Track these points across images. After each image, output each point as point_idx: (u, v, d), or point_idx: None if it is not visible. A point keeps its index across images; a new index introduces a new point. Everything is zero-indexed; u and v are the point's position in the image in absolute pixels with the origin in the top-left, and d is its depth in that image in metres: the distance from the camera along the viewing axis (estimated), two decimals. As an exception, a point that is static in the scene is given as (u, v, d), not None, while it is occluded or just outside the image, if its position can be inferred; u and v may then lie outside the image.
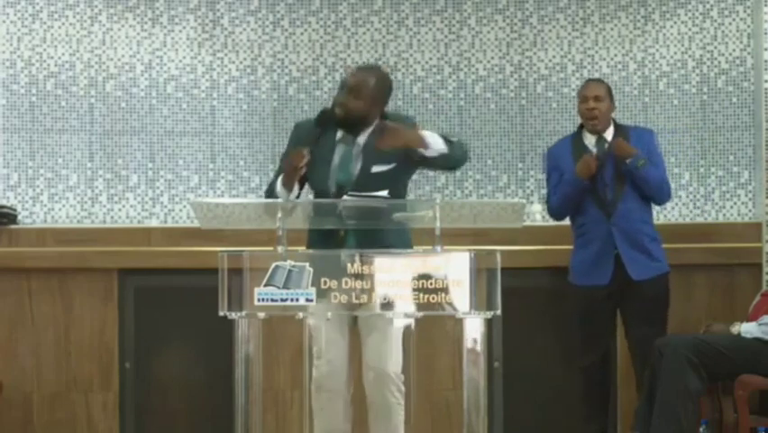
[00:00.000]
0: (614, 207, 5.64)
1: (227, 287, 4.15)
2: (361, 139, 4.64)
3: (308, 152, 4.55)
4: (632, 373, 5.82)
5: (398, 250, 4.42)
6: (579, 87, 5.92)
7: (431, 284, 4.14)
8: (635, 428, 5.58)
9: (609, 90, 5.79)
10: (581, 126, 5.79)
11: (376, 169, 4.59)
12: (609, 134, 5.74)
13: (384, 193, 4.49)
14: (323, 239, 4.53)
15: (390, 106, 6.80)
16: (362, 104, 4.60)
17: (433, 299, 4.14)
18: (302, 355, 4.56)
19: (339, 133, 4.67)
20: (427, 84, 6.86)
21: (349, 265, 4.14)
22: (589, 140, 5.76)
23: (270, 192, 4.68)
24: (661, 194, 5.73)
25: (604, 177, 5.65)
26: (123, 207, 6.72)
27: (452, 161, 4.59)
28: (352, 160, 4.62)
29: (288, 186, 4.57)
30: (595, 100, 5.70)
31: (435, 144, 4.50)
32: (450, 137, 4.58)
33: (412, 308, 4.17)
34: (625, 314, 5.73)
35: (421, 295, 4.14)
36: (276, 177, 4.70)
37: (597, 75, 6.80)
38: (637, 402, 5.61)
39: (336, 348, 4.60)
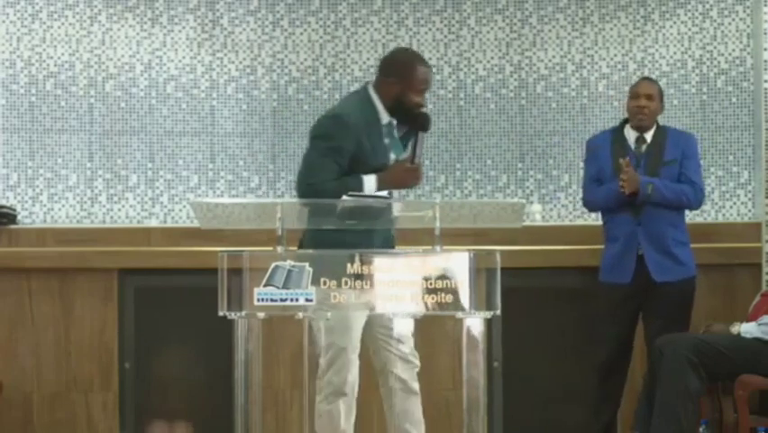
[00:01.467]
0: (642, 208, 5.64)
1: (227, 287, 4.15)
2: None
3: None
4: (634, 373, 5.82)
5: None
6: (632, 84, 5.96)
7: (431, 284, 4.14)
8: (635, 428, 5.58)
9: (661, 91, 5.84)
10: (625, 121, 5.82)
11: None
12: (650, 135, 5.76)
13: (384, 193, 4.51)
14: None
15: (390, 106, 6.87)
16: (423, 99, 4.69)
17: (432, 299, 4.14)
18: (302, 355, 4.56)
19: (385, 119, 4.65)
20: (427, 84, 6.86)
21: (349, 265, 4.14)
22: (630, 135, 5.77)
23: (339, 192, 4.46)
24: (683, 205, 5.75)
25: (623, 165, 5.65)
26: (123, 207, 6.72)
27: None
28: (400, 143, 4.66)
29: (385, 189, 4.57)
30: (646, 98, 5.75)
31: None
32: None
33: (412, 309, 4.17)
34: (646, 316, 5.72)
35: (421, 295, 4.14)
36: (344, 180, 4.54)
37: (596, 75, 6.81)
38: (638, 402, 5.61)
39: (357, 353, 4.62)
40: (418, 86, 4.63)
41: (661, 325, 5.62)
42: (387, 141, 4.63)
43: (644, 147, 5.75)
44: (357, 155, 4.55)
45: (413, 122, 4.65)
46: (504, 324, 5.95)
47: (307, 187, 4.55)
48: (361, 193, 4.49)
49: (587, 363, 5.85)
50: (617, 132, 5.83)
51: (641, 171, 5.66)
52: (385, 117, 4.64)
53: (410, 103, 4.61)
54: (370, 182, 4.54)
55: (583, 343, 5.99)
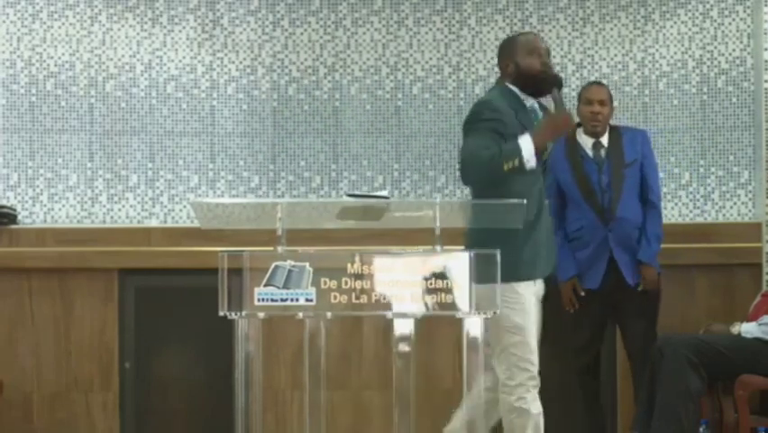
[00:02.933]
0: (611, 213, 5.66)
1: (227, 287, 4.15)
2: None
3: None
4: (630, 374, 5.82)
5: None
6: (580, 89, 5.93)
7: (431, 284, 4.14)
8: (635, 428, 5.58)
9: (611, 95, 5.83)
10: (576, 126, 5.79)
11: None
12: (605, 139, 5.77)
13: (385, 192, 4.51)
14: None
15: (389, 106, 6.89)
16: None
17: (432, 299, 4.14)
18: (302, 355, 4.56)
19: (528, 103, 4.66)
20: (427, 84, 6.87)
21: (349, 265, 4.14)
22: (585, 141, 5.77)
23: (494, 158, 4.41)
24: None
25: (601, 183, 5.67)
26: (123, 207, 6.72)
27: None
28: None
29: (542, 144, 4.47)
30: (600, 104, 5.74)
31: None
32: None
33: (412, 309, 4.17)
34: (624, 319, 5.73)
35: (421, 295, 4.14)
36: (498, 146, 4.45)
37: (596, 75, 6.80)
38: (636, 402, 5.61)
39: None
40: (534, 51, 4.64)
41: (636, 326, 5.65)
42: (535, 124, 4.62)
43: (602, 152, 5.74)
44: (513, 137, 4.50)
45: (548, 85, 4.62)
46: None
47: (470, 167, 4.49)
48: (514, 156, 4.39)
49: (569, 370, 5.87)
50: (569, 138, 5.73)
51: (605, 176, 5.67)
52: (528, 101, 4.66)
53: (535, 69, 4.61)
54: (525, 141, 4.42)
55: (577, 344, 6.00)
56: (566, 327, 5.73)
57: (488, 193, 4.49)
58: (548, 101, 4.65)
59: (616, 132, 5.80)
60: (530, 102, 4.68)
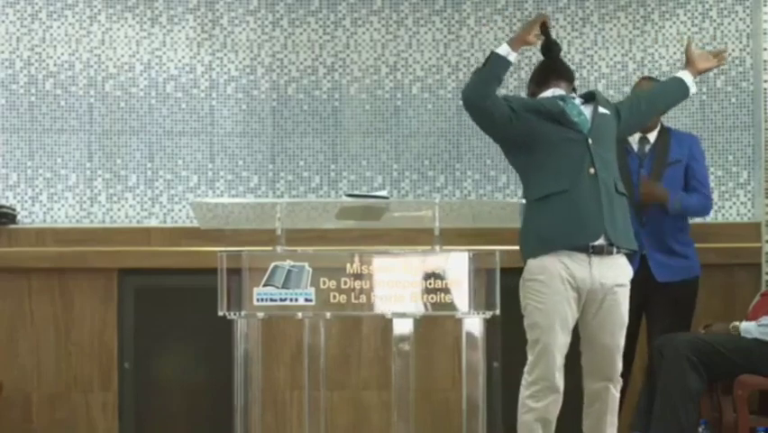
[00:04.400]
0: (645, 210, 5.62)
1: (227, 287, 4.16)
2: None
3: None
4: (633, 373, 5.81)
5: None
6: (634, 84, 5.97)
7: (430, 284, 4.14)
8: (635, 427, 5.58)
9: None
10: None
11: (602, 110, 4.65)
12: (653, 136, 5.75)
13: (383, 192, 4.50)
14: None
15: (389, 106, 6.88)
16: None
17: (432, 299, 4.15)
18: (301, 355, 4.56)
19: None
20: (426, 84, 6.86)
21: (348, 265, 4.14)
22: (633, 136, 5.75)
23: (484, 65, 4.62)
24: (699, 215, 5.86)
25: (640, 178, 5.64)
26: (123, 206, 6.72)
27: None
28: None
29: (515, 45, 4.61)
30: None
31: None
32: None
33: (411, 308, 4.17)
34: (649, 317, 5.71)
35: (420, 295, 4.14)
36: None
37: (596, 75, 6.81)
38: (637, 402, 5.61)
39: None
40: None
41: (664, 325, 5.61)
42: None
43: (647, 147, 5.74)
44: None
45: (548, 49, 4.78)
46: (503, 324, 5.94)
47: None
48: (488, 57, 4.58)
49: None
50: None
51: (644, 171, 5.65)
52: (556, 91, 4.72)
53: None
54: (501, 48, 4.61)
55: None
56: None
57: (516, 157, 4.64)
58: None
59: (666, 132, 5.80)
60: (551, 90, 4.71)
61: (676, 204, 5.62)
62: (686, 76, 4.87)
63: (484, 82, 4.55)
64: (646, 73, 6.70)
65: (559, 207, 4.48)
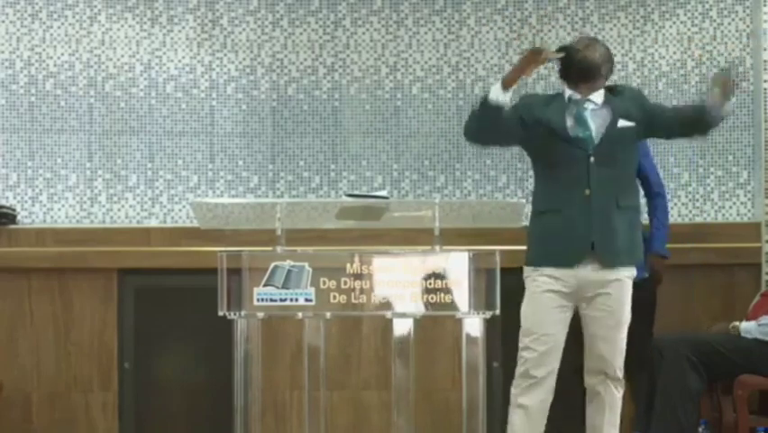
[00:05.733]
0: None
1: (227, 287, 4.16)
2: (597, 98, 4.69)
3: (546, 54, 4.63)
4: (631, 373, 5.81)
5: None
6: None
7: (430, 284, 4.14)
8: (635, 428, 5.58)
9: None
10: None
11: (621, 124, 4.62)
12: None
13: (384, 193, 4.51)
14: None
15: (389, 106, 6.88)
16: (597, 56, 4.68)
17: (432, 299, 4.15)
18: (301, 355, 4.56)
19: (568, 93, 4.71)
20: (426, 84, 6.86)
21: (348, 265, 4.14)
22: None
23: (479, 108, 4.63)
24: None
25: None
26: (123, 207, 6.72)
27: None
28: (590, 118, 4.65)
29: (509, 83, 4.60)
30: None
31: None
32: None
33: (411, 308, 4.17)
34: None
35: (420, 295, 4.14)
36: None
37: (596, 75, 6.81)
38: (634, 403, 5.61)
39: None
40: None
41: (636, 322, 5.65)
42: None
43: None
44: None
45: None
46: (503, 324, 5.94)
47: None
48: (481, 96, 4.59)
49: (569, 364, 5.85)
50: None
51: None
52: (568, 92, 4.72)
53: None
54: (493, 90, 4.61)
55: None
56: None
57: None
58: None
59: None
60: (569, 93, 4.70)
61: (663, 250, 5.71)
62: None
63: (477, 128, 4.63)
64: (646, 73, 6.70)
65: (550, 226, 4.59)
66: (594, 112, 4.64)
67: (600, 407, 4.63)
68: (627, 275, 4.64)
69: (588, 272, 4.57)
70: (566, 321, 4.61)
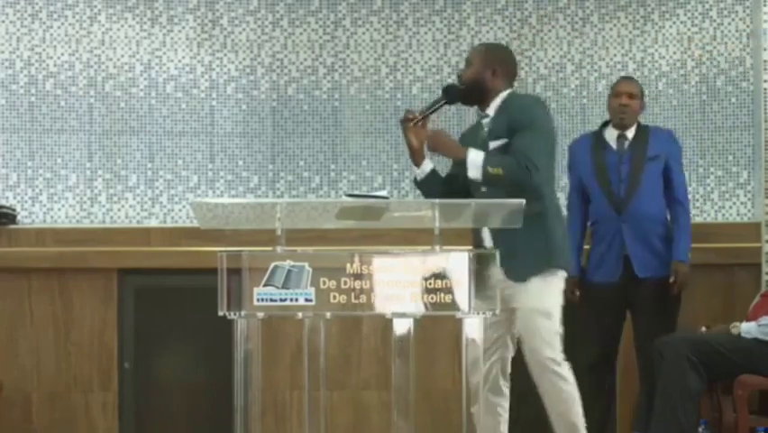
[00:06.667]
0: (625, 205, 5.66)
1: (227, 287, 4.15)
2: (491, 111, 4.80)
3: (420, 113, 4.73)
4: (632, 372, 5.81)
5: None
6: (613, 84, 6.02)
7: (430, 284, 4.14)
8: (635, 427, 5.58)
9: (642, 91, 5.91)
10: (605, 124, 5.86)
11: (492, 144, 4.72)
12: (631, 133, 5.80)
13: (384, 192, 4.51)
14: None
15: (389, 106, 6.87)
16: (471, 70, 4.83)
17: (432, 299, 4.14)
18: (301, 355, 4.56)
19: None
20: (426, 84, 6.87)
21: (348, 265, 4.14)
22: (611, 134, 5.80)
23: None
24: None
25: (620, 173, 5.68)
26: (123, 207, 6.73)
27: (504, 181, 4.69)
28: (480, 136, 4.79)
29: (416, 161, 4.85)
30: (628, 97, 5.81)
31: (472, 164, 4.68)
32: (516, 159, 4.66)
33: (411, 308, 4.17)
34: (633, 313, 5.73)
35: (420, 295, 4.14)
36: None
37: (595, 75, 6.81)
38: (637, 402, 5.61)
39: None
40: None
41: (646, 322, 5.63)
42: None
43: (626, 144, 5.78)
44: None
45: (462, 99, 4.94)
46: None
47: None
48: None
49: (582, 362, 5.84)
50: (598, 135, 5.87)
51: (625, 168, 5.70)
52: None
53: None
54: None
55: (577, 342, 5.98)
56: (581, 322, 5.70)
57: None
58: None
59: (644, 128, 5.85)
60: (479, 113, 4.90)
61: (684, 256, 5.70)
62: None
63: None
64: (646, 73, 6.70)
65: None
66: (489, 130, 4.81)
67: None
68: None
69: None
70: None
